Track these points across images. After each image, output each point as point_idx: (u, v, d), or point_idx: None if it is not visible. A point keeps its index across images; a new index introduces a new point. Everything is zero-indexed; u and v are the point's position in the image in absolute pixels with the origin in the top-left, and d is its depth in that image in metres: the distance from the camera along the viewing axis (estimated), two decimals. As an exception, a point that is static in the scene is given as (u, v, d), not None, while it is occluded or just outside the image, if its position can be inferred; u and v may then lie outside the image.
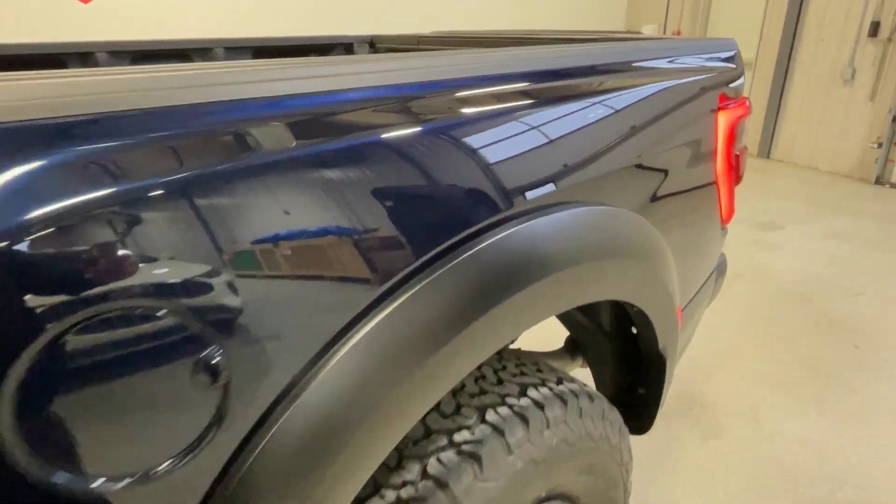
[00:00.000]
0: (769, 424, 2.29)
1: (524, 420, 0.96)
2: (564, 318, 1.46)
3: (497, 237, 0.77)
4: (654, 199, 1.11)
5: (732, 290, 3.44)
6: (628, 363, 1.39)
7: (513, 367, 1.13)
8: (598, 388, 1.50)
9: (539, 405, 1.01)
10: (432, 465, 0.87)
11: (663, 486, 1.97)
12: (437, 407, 0.98)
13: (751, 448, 2.15)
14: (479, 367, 1.10)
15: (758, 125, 6.80)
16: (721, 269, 1.82)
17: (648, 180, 1.10)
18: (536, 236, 0.82)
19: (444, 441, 0.91)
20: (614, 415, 1.17)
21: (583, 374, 1.48)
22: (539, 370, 1.15)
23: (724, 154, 1.50)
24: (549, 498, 1.06)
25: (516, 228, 0.80)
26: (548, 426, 0.99)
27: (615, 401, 1.47)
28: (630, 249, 1.01)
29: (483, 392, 1.03)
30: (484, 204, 0.78)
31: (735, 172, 1.59)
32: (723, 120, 1.44)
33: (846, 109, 5.98)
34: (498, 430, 0.93)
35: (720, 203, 1.58)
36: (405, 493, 0.85)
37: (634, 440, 2.19)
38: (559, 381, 1.11)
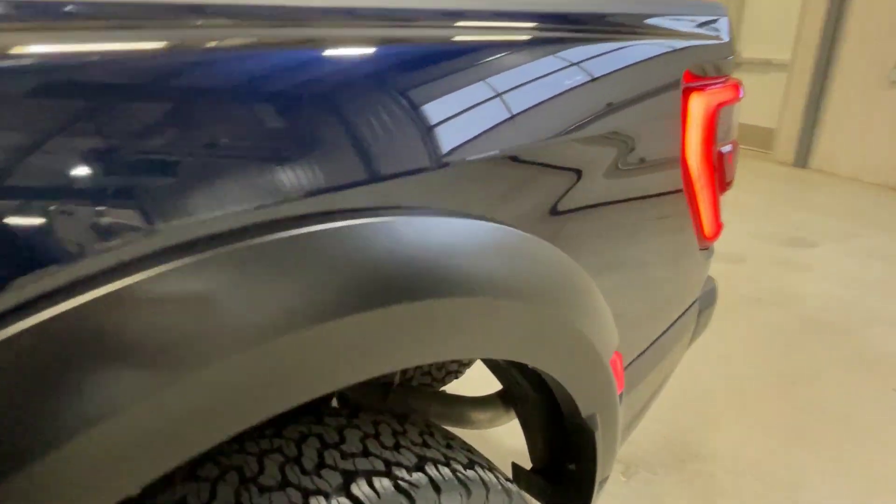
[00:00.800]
0: (780, 489, 1.88)
1: (409, 499, 0.63)
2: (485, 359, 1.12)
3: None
4: (559, 211, 0.76)
5: (750, 317, 3.00)
6: (557, 429, 1.04)
7: (416, 434, 0.81)
8: (529, 452, 1.15)
9: (435, 487, 0.71)
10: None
11: (638, 564, 1.59)
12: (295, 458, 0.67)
13: (754, 517, 1.75)
14: (375, 425, 0.79)
15: (794, 132, 6.27)
16: (707, 300, 1.45)
17: (545, 181, 0.76)
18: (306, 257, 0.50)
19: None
20: None
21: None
22: (449, 446, 0.83)
23: (699, 151, 1.14)
24: None
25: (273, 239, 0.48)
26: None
27: (547, 473, 1.12)
28: (505, 283, 0.68)
29: (364, 454, 0.72)
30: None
31: (719, 175, 1.23)
32: (697, 105, 1.09)
33: (894, 115, 5.42)
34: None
35: (698, 216, 1.22)
36: None
37: (606, 497, 1.82)
38: (470, 465, 0.79)
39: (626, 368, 1.07)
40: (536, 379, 0.98)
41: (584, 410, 0.89)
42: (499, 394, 1.33)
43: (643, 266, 1.06)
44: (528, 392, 1.05)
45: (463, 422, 1.33)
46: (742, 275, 3.55)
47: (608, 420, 0.95)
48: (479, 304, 0.64)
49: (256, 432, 0.78)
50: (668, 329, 1.21)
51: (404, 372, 1.68)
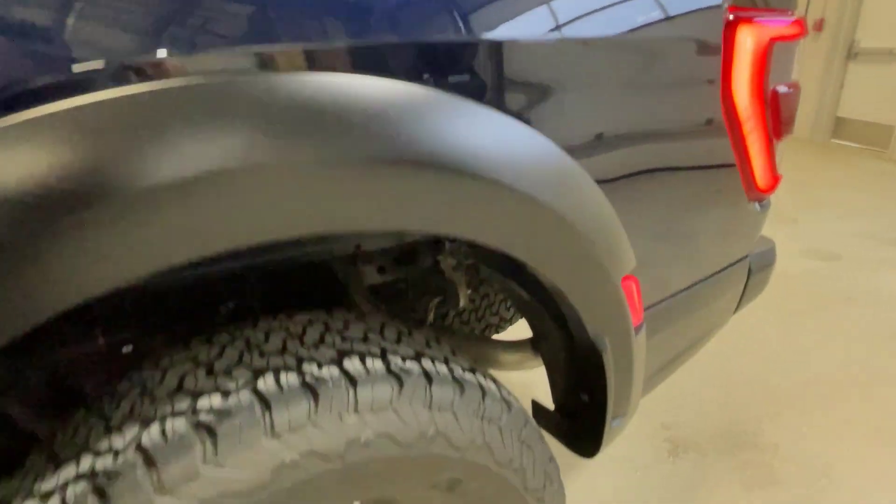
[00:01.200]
0: (846, 486, 1.72)
1: (311, 394, 0.68)
2: (512, 296, 1.13)
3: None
4: (568, 115, 0.76)
5: (838, 315, 2.76)
6: (575, 362, 1.03)
7: (421, 337, 0.85)
8: (551, 394, 1.14)
9: (428, 377, 0.75)
10: (149, 435, 0.63)
11: (674, 538, 1.53)
12: (196, 359, 0.73)
13: (811, 511, 1.62)
14: (383, 324, 0.85)
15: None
16: (762, 261, 1.36)
17: (558, 83, 0.76)
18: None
19: (184, 405, 0.66)
20: (514, 421, 0.84)
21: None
22: (454, 353, 0.86)
23: (749, 90, 1.08)
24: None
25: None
26: (354, 410, 0.70)
27: (562, 412, 1.11)
28: (510, 172, 0.69)
29: (363, 340, 0.78)
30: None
31: (773, 119, 1.16)
32: (745, 38, 1.03)
33: None
34: (264, 401, 0.66)
35: (747, 162, 1.15)
36: (100, 463, 0.61)
37: (648, 473, 1.75)
38: (470, 370, 0.82)
39: (649, 308, 1.04)
40: (559, 313, 0.98)
41: (592, 329, 0.88)
42: (529, 339, 1.34)
43: (671, 202, 1.03)
44: (551, 330, 1.06)
45: (492, 362, 1.34)
46: (835, 272, 3.26)
47: (620, 348, 0.93)
48: (483, 185, 0.67)
49: (271, 315, 0.85)
50: (704, 279, 1.16)
51: (443, 318, 1.71)
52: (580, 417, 1.04)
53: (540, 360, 1.29)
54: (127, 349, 0.91)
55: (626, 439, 1.91)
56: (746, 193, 1.21)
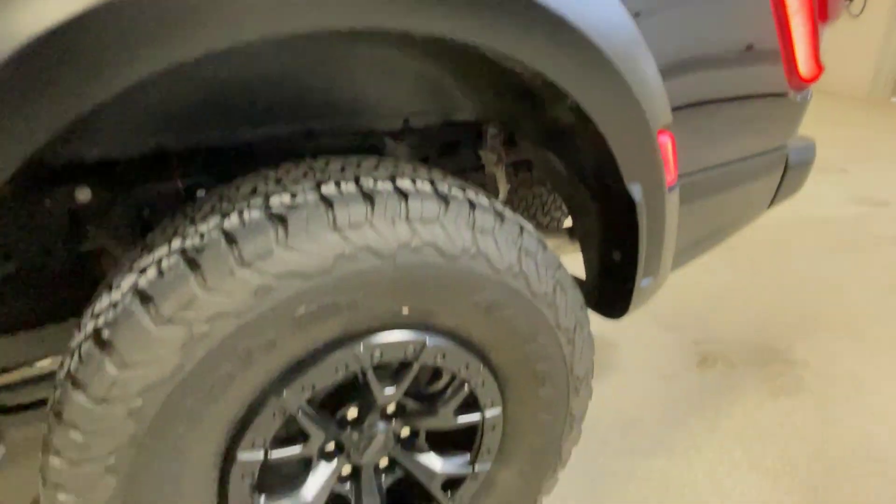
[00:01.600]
0: (874, 396, 1.74)
1: (368, 201, 0.76)
2: (551, 174, 1.18)
3: None
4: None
5: (878, 255, 2.72)
6: (609, 226, 1.09)
7: (409, 165, 0.90)
8: (586, 273, 1.20)
9: (402, 194, 0.78)
10: (230, 221, 0.72)
11: (699, 434, 1.59)
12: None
13: (835, 416, 1.65)
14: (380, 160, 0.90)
15: None
16: (801, 157, 1.37)
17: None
18: None
19: (258, 201, 0.74)
20: (531, 243, 0.89)
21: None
22: (444, 177, 0.90)
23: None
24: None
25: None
26: (406, 219, 0.77)
27: (596, 278, 1.17)
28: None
29: (342, 170, 0.82)
30: None
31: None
32: None
33: None
34: (327, 201, 0.74)
35: (790, 46, 1.16)
36: (189, 242, 0.71)
37: (675, 381, 1.81)
38: (460, 187, 0.85)
39: (685, 176, 1.08)
40: (596, 177, 1.04)
41: (627, 176, 0.93)
42: (567, 229, 1.39)
43: (713, 78, 1.06)
44: (586, 201, 1.11)
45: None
46: (882, 217, 3.19)
47: (653, 204, 0.98)
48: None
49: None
50: (740, 159, 1.19)
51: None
52: (612, 279, 1.10)
53: (575, 246, 1.35)
54: (201, 193, 1.01)
55: (655, 351, 1.96)
56: (788, 81, 1.22)
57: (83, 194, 0.92)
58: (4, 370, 1.10)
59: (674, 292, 2.34)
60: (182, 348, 0.68)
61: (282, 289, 0.71)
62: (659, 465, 1.49)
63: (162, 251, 0.72)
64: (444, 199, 0.82)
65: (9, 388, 1.10)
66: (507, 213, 0.89)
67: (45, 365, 1.33)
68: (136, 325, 0.67)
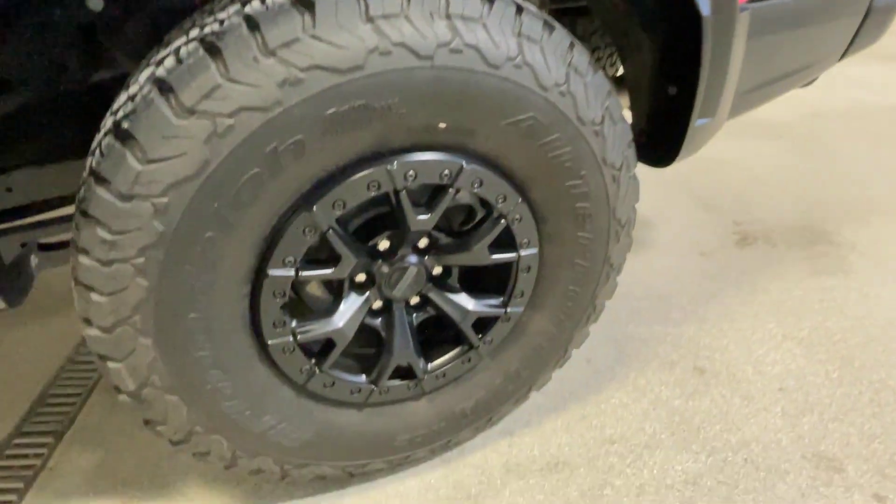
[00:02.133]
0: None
1: (304, 7, 0.65)
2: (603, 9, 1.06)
3: None
4: None
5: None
6: (665, 58, 0.98)
7: None
8: (633, 122, 1.11)
9: None
10: (251, 6, 0.65)
11: (733, 307, 1.55)
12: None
13: (878, 295, 1.59)
14: None
15: None
16: (881, 16, 1.20)
17: None
18: None
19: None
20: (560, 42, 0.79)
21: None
22: None
23: None
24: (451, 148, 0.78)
25: None
26: (445, 15, 0.69)
27: (645, 121, 1.08)
28: None
29: None
30: None
31: None
32: None
33: None
34: (251, 22, 0.64)
35: None
36: (208, 29, 0.64)
37: (713, 257, 1.75)
38: None
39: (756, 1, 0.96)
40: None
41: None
42: (616, 78, 1.29)
43: None
44: (641, 37, 1.00)
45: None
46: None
47: (722, 21, 0.87)
48: None
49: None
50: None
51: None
52: (663, 120, 1.02)
53: (624, 97, 1.25)
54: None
55: (692, 229, 1.90)
56: None
57: (94, 3, 0.85)
58: (40, 206, 1.09)
59: (715, 173, 2.23)
60: (206, 142, 0.64)
61: (310, 82, 0.65)
62: (689, 332, 1.47)
63: (180, 40, 0.66)
64: (489, -1, 0.73)
65: (44, 224, 1.10)
66: (557, 24, 0.80)
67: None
68: (157, 115, 0.63)
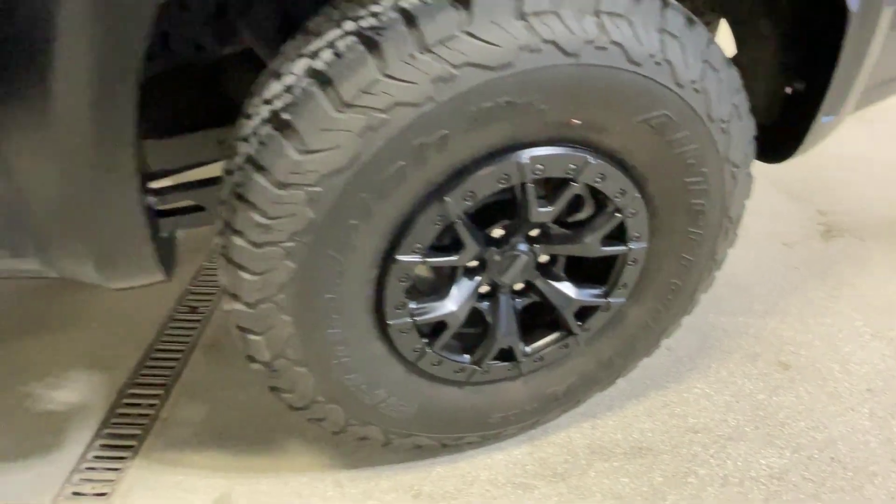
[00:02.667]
0: None
1: (461, 4, 0.65)
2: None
3: None
4: None
5: None
6: (793, 53, 0.95)
7: None
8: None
9: None
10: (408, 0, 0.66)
11: (818, 301, 1.52)
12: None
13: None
14: None
15: None
16: None
17: None
18: None
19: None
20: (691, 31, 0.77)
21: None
22: None
23: None
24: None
25: None
26: (594, 13, 0.68)
27: (761, 115, 1.04)
28: None
29: None
30: None
31: None
32: None
33: None
34: (409, 18, 0.65)
35: None
36: (364, 23, 0.66)
37: (796, 249, 1.71)
38: None
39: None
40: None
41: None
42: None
43: None
44: (765, 27, 0.97)
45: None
46: None
47: (867, 18, 0.83)
48: None
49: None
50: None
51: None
52: (782, 117, 0.99)
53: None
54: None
55: (776, 219, 1.85)
56: None
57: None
58: (162, 174, 1.15)
59: (801, 160, 2.14)
60: (360, 136, 0.66)
61: (462, 79, 0.66)
62: (772, 325, 1.45)
63: (334, 33, 0.68)
64: (636, -6, 0.71)
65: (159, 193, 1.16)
66: (697, 19, 0.78)
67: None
68: (316, 108, 0.65)
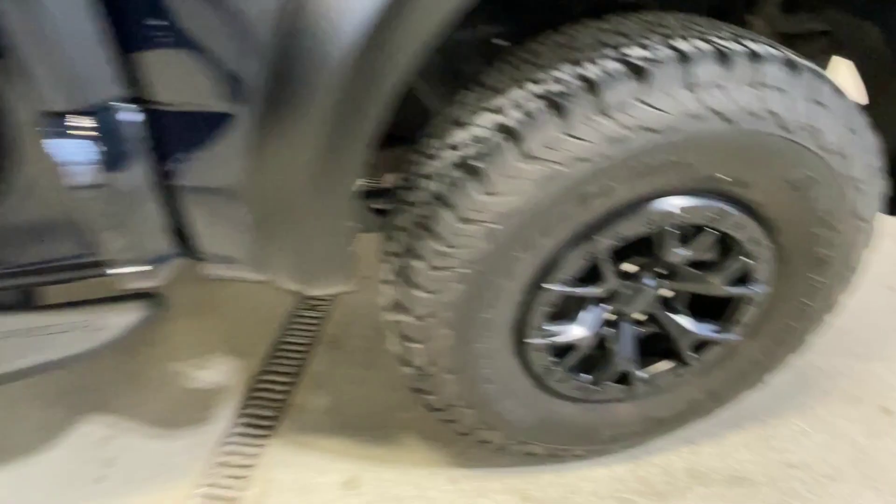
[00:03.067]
0: None
1: (636, 73, 0.74)
2: (853, 44, 1.07)
3: None
4: None
5: None
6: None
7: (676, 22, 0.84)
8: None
9: (682, 57, 0.75)
10: (586, 69, 0.76)
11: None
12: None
13: None
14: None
15: None
16: None
17: None
18: None
19: (611, 52, 0.77)
20: (846, 108, 0.85)
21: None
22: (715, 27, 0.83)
23: None
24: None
25: None
26: (761, 84, 0.76)
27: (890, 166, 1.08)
28: None
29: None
30: None
31: None
32: None
33: None
34: (682, 55, 0.75)
35: None
36: (552, 87, 0.76)
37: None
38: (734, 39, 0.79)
39: None
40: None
41: None
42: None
43: None
44: (866, 30, 1.00)
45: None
46: None
47: None
48: None
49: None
50: None
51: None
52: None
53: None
54: (499, 42, 1.06)
55: (880, 261, 1.82)
56: None
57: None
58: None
59: (906, 201, 2.10)
60: (540, 184, 0.77)
61: (633, 140, 0.75)
62: (875, 369, 1.46)
63: (520, 94, 0.78)
64: (792, 66, 0.79)
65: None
66: (845, 90, 0.84)
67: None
68: (503, 159, 0.76)
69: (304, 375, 1.46)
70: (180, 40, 0.66)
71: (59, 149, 0.71)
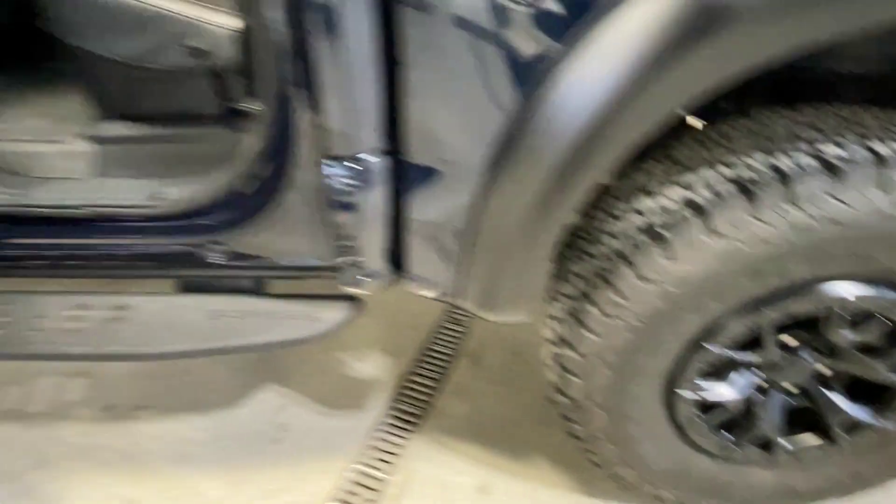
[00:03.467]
0: None
1: (829, 170, 0.80)
2: None
3: None
4: None
5: None
6: None
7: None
8: None
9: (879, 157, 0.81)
10: (781, 160, 0.84)
11: None
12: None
13: None
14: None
15: None
16: None
17: None
18: None
19: (806, 147, 0.84)
20: None
21: None
22: None
23: None
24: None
25: None
26: (879, 187, 0.80)
27: None
28: None
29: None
30: None
31: None
32: None
33: None
34: (879, 157, 0.80)
35: None
36: (744, 172, 0.85)
37: None
38: None
39: None
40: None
41: None
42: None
43: None
44: None
45: None
46: None
47: None
48: None
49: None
50: None
51: None
52: None
53: None
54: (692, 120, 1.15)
55: None
56: None
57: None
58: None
59: None
60: (720, 257, 0.85)
61: (818, 231, 0.82)
62: None
63: (710, 174, 0.88)
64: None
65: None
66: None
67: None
68: (689, 230, 0.86)
69: (447, 383, 1.62)
70: (437, 115, 0.84)
71: (330, 176, 0.93)
